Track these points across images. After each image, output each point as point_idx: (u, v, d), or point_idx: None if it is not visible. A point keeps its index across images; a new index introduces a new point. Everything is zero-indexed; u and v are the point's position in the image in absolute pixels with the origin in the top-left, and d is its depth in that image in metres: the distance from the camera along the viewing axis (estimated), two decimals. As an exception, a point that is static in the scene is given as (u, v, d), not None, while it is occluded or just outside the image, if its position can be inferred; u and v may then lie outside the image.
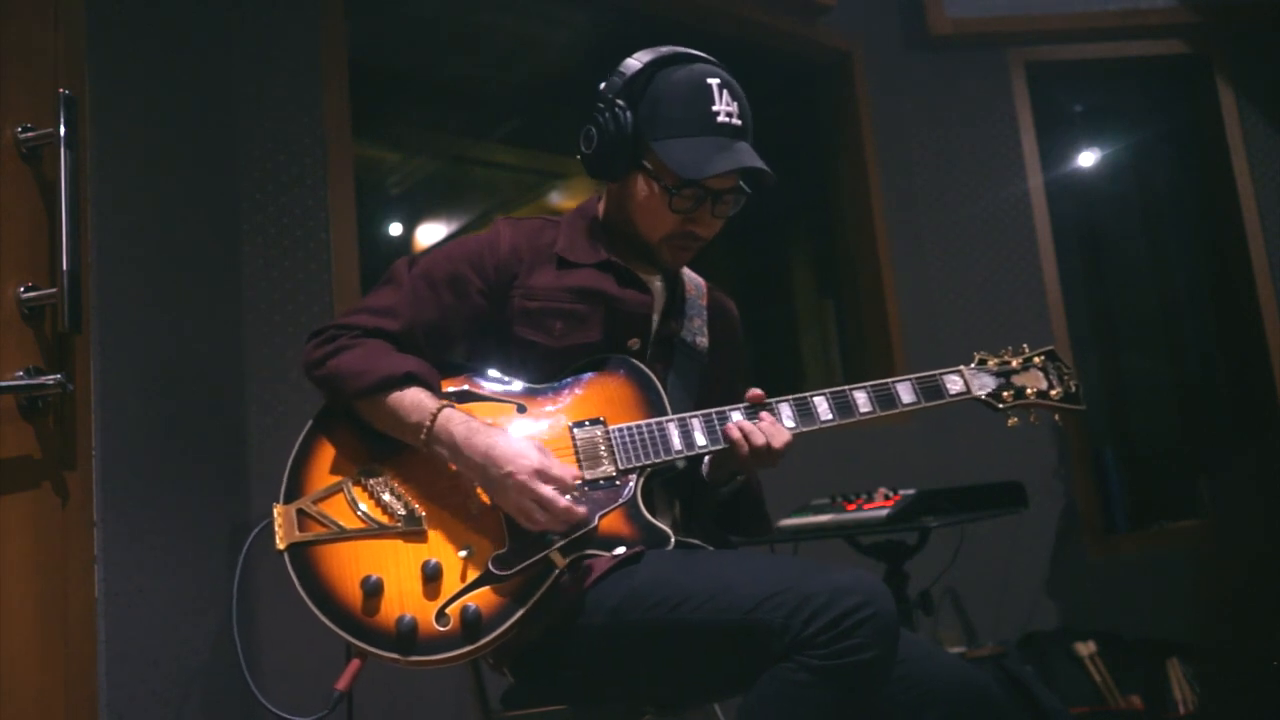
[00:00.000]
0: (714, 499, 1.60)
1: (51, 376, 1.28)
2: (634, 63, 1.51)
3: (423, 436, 1.37)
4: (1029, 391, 1.62)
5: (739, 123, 1.49)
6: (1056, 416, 1.66)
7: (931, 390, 1.57)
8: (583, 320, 1.51)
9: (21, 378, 1.27)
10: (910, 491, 2.49)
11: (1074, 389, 1.65)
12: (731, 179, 1.49)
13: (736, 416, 1.48)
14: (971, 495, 2.58)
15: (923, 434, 3.47)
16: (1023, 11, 3.86)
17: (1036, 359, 1.66)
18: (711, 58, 1.55)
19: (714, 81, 1.48)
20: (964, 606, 3.48)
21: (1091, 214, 4.31)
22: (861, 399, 1.52)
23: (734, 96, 1.49)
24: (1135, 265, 4.41)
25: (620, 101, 1.49)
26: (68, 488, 1.32)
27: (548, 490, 1.32)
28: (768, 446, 1.44)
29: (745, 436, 1.44)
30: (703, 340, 1.64)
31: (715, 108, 1.46)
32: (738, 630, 1.24)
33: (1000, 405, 1.60)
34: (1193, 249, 4.34)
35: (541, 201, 4.24)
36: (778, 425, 1.46)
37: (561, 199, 4.15)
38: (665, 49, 1.53)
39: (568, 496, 1.35)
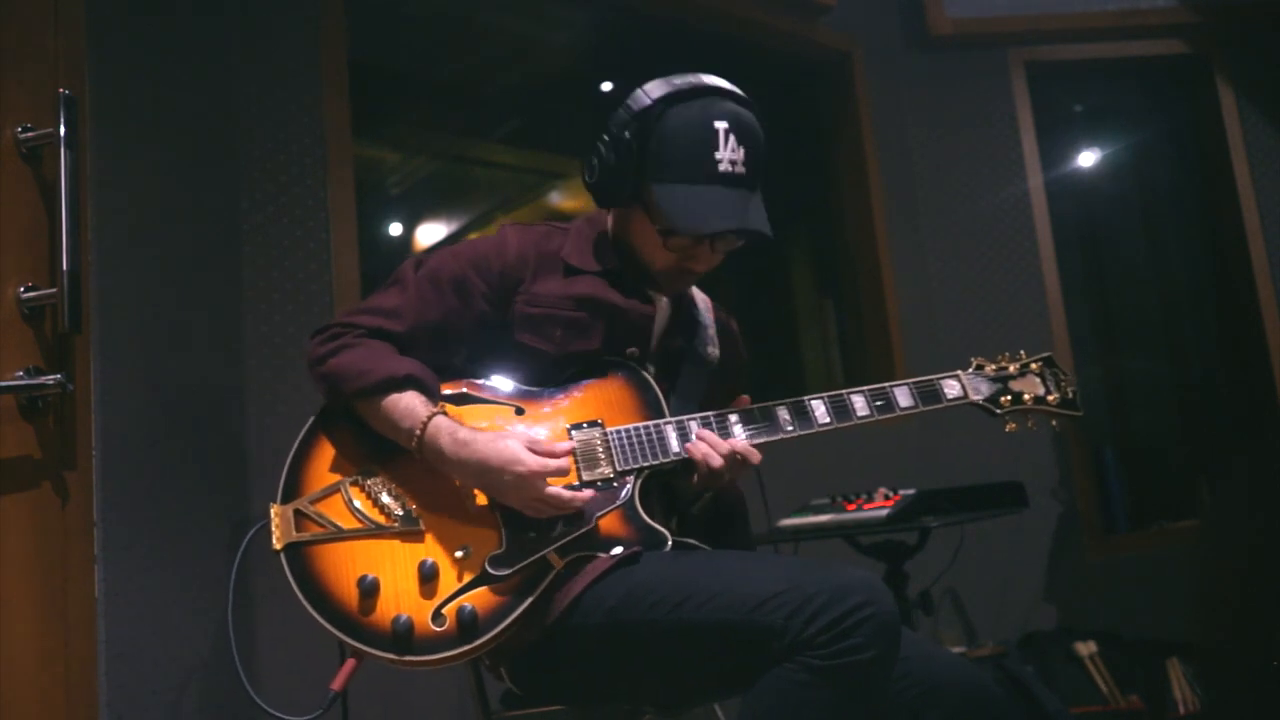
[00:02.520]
0: (689, 512, 1.59)
1: (51, 376, 1.28)
2: (644, 97, 1.46)
3: (414, 444, 1.38)
4: (1026, 397, 1.62)
5: (743, 171, 1.44)
6: (1054, 422, 1.66)
7: (929, 395, 1.57)
8: (584, 329, 1.51)
9: (21, 378, 1.27)
10: (910, 491, 2.49)
11: (1071, 395, 1.65)
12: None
13: (734, 420, 1.48)
14: (971, 495, 2.58)
15: (923, 434, 3.47)
16: (1023, 11, 3.86)
17: (1034, 365, 1.66)
18: (731, 88, 1.49)
19: (722, 126, 1.43)
20: (964, 606, 3.48)
21: (1091, 214, 4.31)
22: (859, 403, 1.52)
23: (742, 140, 1.44)
24: (1135, 265, 4.41)
25: (626, 134, 1.45)
26: (68, 488, 1.32)
27: (551, 488, 1.34)
28: (724, 469, 1.43)
29: (704, 458, 1.43)
30: (714, 350, 1.64)
31: (719, 155, 1.42)
32: (738, 630, 1.24)
33: (998, 410, 1.60)
34: (1193, 249, 4.33)
35: (541, 201, 4.23)
36: (748, 449, 1.44)
37: (561, 199, 4.15)
38: (680, 81, 1.47)
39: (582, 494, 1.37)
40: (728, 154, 1.43)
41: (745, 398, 1.52)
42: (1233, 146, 3.97)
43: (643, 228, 1.50)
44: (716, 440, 1.45)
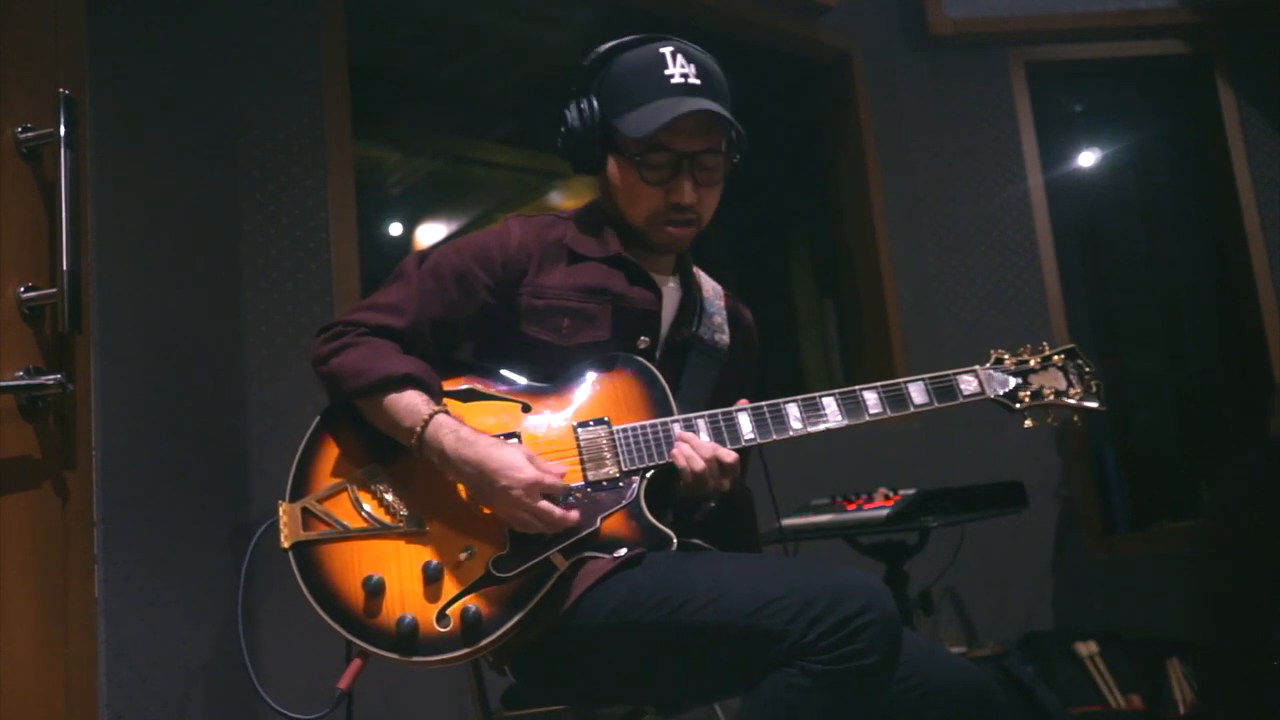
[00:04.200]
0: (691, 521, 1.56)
1: (51, 376, 1.28)
2: (593, 54, 1.54)
3: (414, 442, 1.37)
4: (1046, 391, 1.56)
5: (697, 81, 1.47)
6: (1075, 418, 1.59)
7: (945, 391, 1.51)
8: (591, 318, 1.49)
9: (21, 378, 1.26)
10: (910, 491, 2.49)
11: (1095, 388, 1.58)
12: (703, 140, 1.47)
13: (743, 418, 1.46)
14: (971, 495, 2.58)
15: (923, 434, 3.47)
16: (1023, 11, 3.86)
17: (1056, 358, 1.59)
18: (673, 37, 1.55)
19: (667, 50, 1.49)
20: (964, 606, 3.48)
21: (1091, 214, 4.31)
22: (871, 399, 1.48)
23: (690, 60, 1.49)
24: (1135, 265, 4.41)
25: (584, 89, 1.52)
26: (68, 488, 1.31)
27: (543, 502, 1.31)
28: (707, 473, 1.39)
29: (687, 462, 1.39)
30: (723, 338, 1.61)
31: (669, 71, 1.47)
32: (739, 633, 1.23)
33: (1017, 406, 1.54)
34: (1193, 249, 4.34)
35: (541, 201, 4.23)
36: (723, 451, 1.40)
37: (561, 199, 4.15)
38: (626, 38, 1.54)
39: (569, 498, 1.35)
40: (678, 69, 1.48)
41: (743, 401, 1.48)
42: (1233, 146, 3.97)
43: (620, 177, 1.51)
44: (698, 443, 1.41)
